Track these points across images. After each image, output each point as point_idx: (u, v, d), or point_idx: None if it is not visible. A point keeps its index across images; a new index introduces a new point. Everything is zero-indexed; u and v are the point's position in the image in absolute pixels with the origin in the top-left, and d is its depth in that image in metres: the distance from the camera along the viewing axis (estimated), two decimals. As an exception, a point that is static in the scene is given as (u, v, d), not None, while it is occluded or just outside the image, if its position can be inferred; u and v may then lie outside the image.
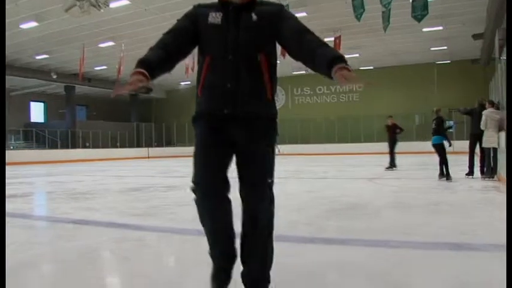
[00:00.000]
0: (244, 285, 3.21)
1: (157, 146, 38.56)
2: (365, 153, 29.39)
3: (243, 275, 3.21)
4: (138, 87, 2.92)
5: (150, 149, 36.65)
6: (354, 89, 36.73)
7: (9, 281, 4.09)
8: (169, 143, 38.88)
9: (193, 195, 3.17)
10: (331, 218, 7.12)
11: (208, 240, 3.22)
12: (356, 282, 4.03)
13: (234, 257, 3.23)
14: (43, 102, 40.74)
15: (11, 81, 33.01)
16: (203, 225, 3.21)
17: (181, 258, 4.86)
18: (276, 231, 3.26)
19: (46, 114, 41.04)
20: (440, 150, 12.96)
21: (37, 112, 40.70)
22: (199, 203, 3.14)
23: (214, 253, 3.23)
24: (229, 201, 3.18)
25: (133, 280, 4.25)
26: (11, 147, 32.52)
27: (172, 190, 11.56)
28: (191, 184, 3.16)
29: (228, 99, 3.07)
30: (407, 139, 31.38)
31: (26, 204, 9.85)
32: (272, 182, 3.17)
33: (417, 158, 23.27)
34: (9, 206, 9.04)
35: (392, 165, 17.24)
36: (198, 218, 3.22)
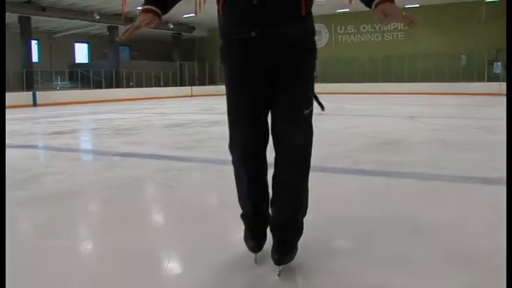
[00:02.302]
0: (273, 233, 2.73)
1: (200, 84, 38.64)
2: (408, 93, 28.91)
3: (272, 222, 2.75)
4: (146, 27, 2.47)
5: (193, 87, 36.76)
6: (399, 27, 35.86)
7: (57, 209, 4.31)
8: (212, 82, 38.92)
9: (229, 147, 2.75)
10: (368, 152, 7.16)
11: (242, 194, 2.81)
12: (386, 206, 4.16)
13: (269, 216, 2.81)
14: (87, 43, 41.08)
15: (54, 23, 33.36)
16: (238, 180, 2.81)
17: (221, 186, 4.99)
18: (311, 163, 2.76)
19: (90, 55, 41.41)
20: None
21: (81, 53, 41.09)
22: (238, 163, 2.74)
23: (244, 208, 2.86)
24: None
25: (174, 206, 4.41)
26: (57, 88, 33.15)
27: (214, 125, 11.69)
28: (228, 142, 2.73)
29: (255, 18, 2.44)
30: (452, 80, 30.77)
31: (72, 140, 10.13)
32: (310, 113, 2.60)
33: (461, 98, 22.85)
34: (56, 142, 9.35)
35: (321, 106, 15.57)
36: None
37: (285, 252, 2.59)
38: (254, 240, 2.75)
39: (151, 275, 2.72)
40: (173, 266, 2.94)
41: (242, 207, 2.86)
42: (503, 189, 3.91)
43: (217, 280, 2.63)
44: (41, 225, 3.78)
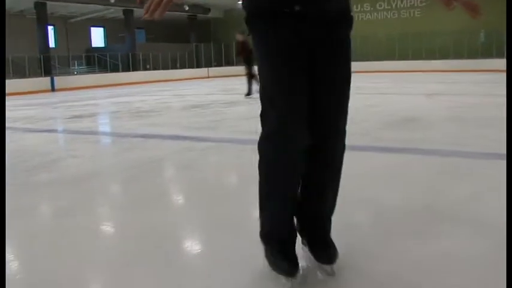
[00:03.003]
0: (313, 234, 2.43)
1: (217, 65, 38.61)
2: (426, 71, 28.63)
3: (312, 223, 2.44)
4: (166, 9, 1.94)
5: (209, 68, 36.73)
6: (416, 4, 35.51)
7: (78, 190, 4.35)
8: (228, 63, 38.84)
9: (262, 144, 2.23)
10: (387, 129, 7.15)
11: (269, 206, 2.32)
12: (403, 182, 4.18)
13: (296, 232, 2.40)
14: (102, 27, 41.13)
15: (69, 8, 33.39)
16: (268, 185, 2.30)
17: (240, 165, 5.02)
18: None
19: (106, 39, 41.48)
20: None
21: (97, 37, 41.16)
22: (274, 154, 2.20)
23: (276, 226, 2.33)
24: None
25: (195, 185, 4.43)
26: (75, 73, 33.31)
27: (232, 106, 11.69)
28: (264, 127, 2.21)
29: None
30: (471, 57, 30.41)
31: (92, 123, 10.22)
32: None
33: (480, 75, 22.57)
34: (76, 125, 9.42)
35: (249, 91, 13.22)
36: (257, 130, 2.27)
37: (334, 248, 2.34)
38: (290, 260, 2.25)
39: (171, 255, 2.74)
40: (194, 245, 2.95)
41: (271, 223, 2.34)
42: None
43: (239, 257, 2.62)
44: (63, 207, 3.83)
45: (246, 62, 13.60)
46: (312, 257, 2.37)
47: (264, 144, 2.22)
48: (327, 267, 2.33)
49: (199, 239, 3.06)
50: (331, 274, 2.32)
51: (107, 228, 3.42)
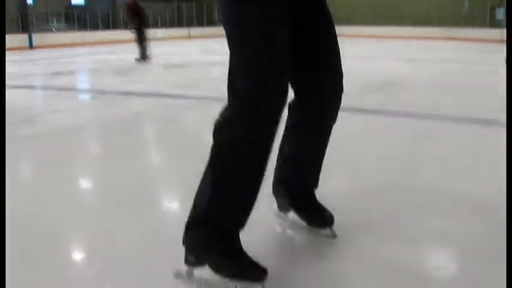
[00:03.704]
0: (306, 200, 2.36)
1: (199, 25, 38.24)
2: (408, 37, 28.63)
3: (303, 190, 2.36)
4: None
5: (191, 28, 36.39)
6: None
7: (62, 143, 4.42)
8: (210, 23, 38.47)
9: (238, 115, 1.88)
10: (366, 92, 7.20)
11: (238, 189, 1.92)
12: (383, 143, 4.33)
13: None
14: (82, -17, 40.45)
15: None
16: (243, 165, 1.91)
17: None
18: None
19: (86, -4, 40.86)
20: None
21: (77, -6, 40.50)
22: (255, 127, 1.86)
23: (240, 210, 1.94)
24: None
25: (176, 139, 4.52)
26: (53, 30, 32.81)
27: (213, 66, 11.67)
28: (242, 95, 1.87)
29: None
30: (454, 25, 30.39)
31: (72, 79, 10.22)
32: None
33: (462, 44, 22.61)
34: (57, 82, 9.39)
35: (143, 56, 12.68)
36: None
37: (328, 210, 2.30)
38: (252, 262, 1.90)
39: (149, 203, 2.87)
40: (172, 194, 3.05)
41: (234, 216, 1.95)
42: (497, 129, 3.99)
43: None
44: (46, 159, 3.90)
45: (136, 26, 12.88)
46: (305, 224, 2.35)
47: (235, 121, 1.87)
48: (326, 230, 2.30)
49: (177, 188, 3.18)
50: (333, 236, 2.29)
51: (89, 178, 3.52)
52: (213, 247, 1.90)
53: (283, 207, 2.43)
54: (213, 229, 1.91)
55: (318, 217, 2.32)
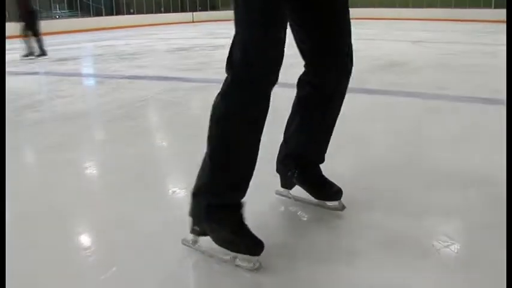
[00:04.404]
0: (314, 173, 2.37)
1: (202, 10, 38.11)
2: (413, 19, 28.44)
3: (311, 164, 2.37)
4: None
5: (194, 13, 36.27)
6: None
7: (68, 128, 4.43)
8: (213, 7, 38.37)
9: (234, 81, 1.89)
10: (373, 73, 7.19)
11: (233, 159, 1.96)
12: (389, 122, 4.32)
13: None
14: (85, -31, 40.30)
15: None
16: (234, 133, 1.96)
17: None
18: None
19: (89, -18, 40.73)
20: None
21: (79, -20, 40.38)
22: (249, 94, 1.88)
23: (237, 180, 1.96)
24: None
25: (183, 122, 4.53)
26: (56, 17, 32.75)
27: (218, 49, 11.63)
28: (236, 63, 1.86)
29: None
30: (458, 6, 30.18)
31: (77, 65, 10.19)
32: None
33: (467, 25, 22.46)
34: (61, 68, 9.38)
35: (30, 52, 11.55)
36: None
37: (337, 185, 2.32)
38: (251, 235, 1.92)
39: (157, 189, 2.86)
40: (181, 179, 3.05)
41: (236, 188, 1.97)
42: (503, 108, 3.97)
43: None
44: (52, 143, 3.88)
45: (24, 18, 12.19)
46: (311, 199, 2.36)
47: (229, 90, 1.91)
48: (334, 203, 2.31)
49: (184, 172, 3.15)
50: (341, 208, 2.31)
51: (95, 163, 3.49)
52: (212, 216, 1.94)
53: (288, 184, 2.43)
54: (212, 199, 1.95)
55: (327, 190, 2.33)
